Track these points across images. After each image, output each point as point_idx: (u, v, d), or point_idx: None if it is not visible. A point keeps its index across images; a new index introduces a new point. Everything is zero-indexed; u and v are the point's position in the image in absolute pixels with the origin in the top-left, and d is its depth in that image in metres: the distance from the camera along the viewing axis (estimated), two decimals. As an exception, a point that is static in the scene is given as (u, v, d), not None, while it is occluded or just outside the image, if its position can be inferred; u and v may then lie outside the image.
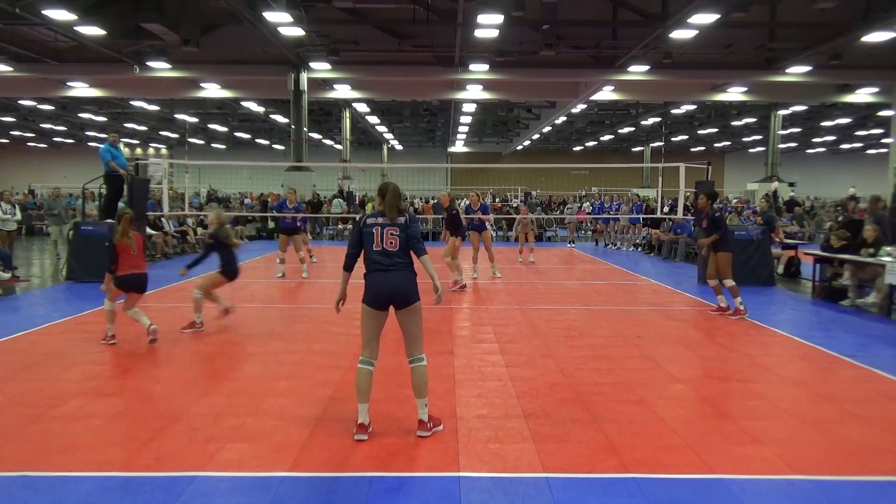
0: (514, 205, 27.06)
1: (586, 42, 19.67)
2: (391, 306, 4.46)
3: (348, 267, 4.58)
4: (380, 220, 4.42)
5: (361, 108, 31.50)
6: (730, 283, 8.75)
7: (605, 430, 4.52)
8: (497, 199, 29.83)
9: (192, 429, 4.47)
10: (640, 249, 18.94)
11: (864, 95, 25.26)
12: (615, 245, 20.23)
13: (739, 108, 33.26)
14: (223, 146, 50.44)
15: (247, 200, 29.48)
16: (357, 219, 4.64)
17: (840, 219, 21.52)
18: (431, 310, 9.07)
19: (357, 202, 26.09)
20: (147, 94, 27.17)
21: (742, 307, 8.66)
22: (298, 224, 12.48)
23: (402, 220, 4.42)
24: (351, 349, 6.77)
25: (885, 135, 32.80)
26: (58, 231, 14.49)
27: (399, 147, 49.33)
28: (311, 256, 13.66)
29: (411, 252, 4.46)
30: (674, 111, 33.67)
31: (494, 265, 12.60)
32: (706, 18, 15.17)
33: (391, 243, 4.37)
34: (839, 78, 22.85)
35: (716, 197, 9.99)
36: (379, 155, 47.69)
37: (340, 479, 3.76)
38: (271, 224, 22.38)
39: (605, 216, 21.26)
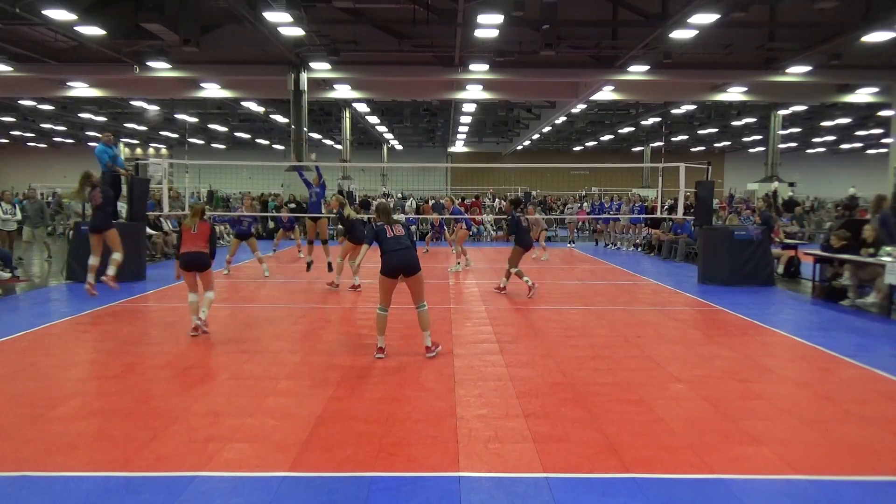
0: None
1: (586, 42, 19.66)
2: (400, 275, 6.38)
3: (369, 243, 6.91)
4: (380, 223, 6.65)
5: (361, 108, 31.49)
6: (514, 270, 10.36)
7: (605, 430, 4.52)
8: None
9: (192, 429, 4.47)
10: (639, 249, 18.94)
11: (864, 95, 25.25)
12: (615, 245, 20.23)
13: (739, 108, 33.25)
14: (223, 146, 50.44)
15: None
16: (370, 221, 6.74)
17: (836, 216, 21.54)
18: (431, 310, 9.04)
19: (357, 202, 26.07)
20: (147, 94, 27.16)
21: (530, 283, 10.28)
22: (252, 230, 12.93)
23: (400, 219, 6.76)
24: (351, 349, 6.78)
25: (885, 135, 32.78)
26: (30, 233, 14.44)
27: (399, 147, 49.32)
28: (301, 253, 13.79)
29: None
30: (674, 111, 33.66)
31: (459, 262, 13.73)
32: (706, 18, 15.17)
33: (399, 231, 6.48)
34: (839, 78, 22.84)
35: (519, 203, 11.53)
36: (379, 155, 47.69)
37: (340, 479, 3.76)
38: (271, 224, 22.45)
39: (605, 216, 21.26)
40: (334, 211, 11.84)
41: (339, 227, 12.35)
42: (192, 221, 7.35)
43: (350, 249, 10.75)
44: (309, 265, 12.17)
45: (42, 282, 11.65)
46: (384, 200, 6.77)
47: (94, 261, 8.63)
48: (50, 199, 28.64)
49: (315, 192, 12.25)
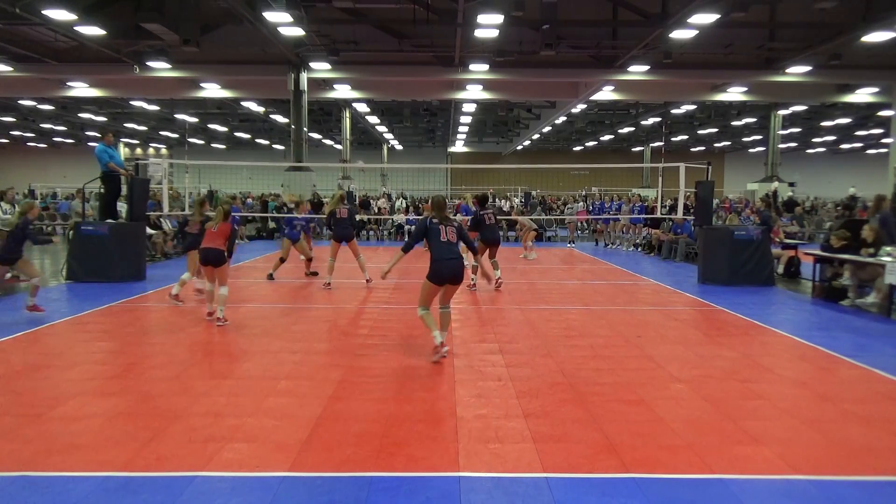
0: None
1: (586, 42, 19.66)
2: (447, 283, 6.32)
3: (406, 249, 6.42)
4: (435, 221, 6.37)
5: (361, 108, 31.49)
6: (473, 263, 10.20)
7: (605, 430, 4.52)
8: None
9: (192, 429, 4.47)
10: (639, 249, 18.94)
11: (864, 95, 25.26)
12: (614, 245, 20.23)
13: (739, 108, 33.26)
14: (223, 146, 50.45)
15: (248, 200, 29.46)
16: (424, 218, 6.49)
17: (836, 216, 21.52)
18: (431, 310, 9.07)
19: (357, 202, 26.10)
20: (147, 94, 27.18)
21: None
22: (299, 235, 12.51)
23: (454, 223, 6.40)
24: (351, 349, 6.78)
25: (885, 135, 32.79)
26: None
27: (399, 147, 49.32)
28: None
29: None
30: (674, 111, 33.67)
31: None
32: (706, 18, 15.17)
33: (451, 236, 6.29)
34: (839, 78, 22.86)
35: (486, 200, 11.48)
36: (379, 155, 47.69)
37: (340, 479, 3.75)
38: (272, 224, 22.47)
39: (605, 216, 21.26)
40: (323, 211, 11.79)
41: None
42: (216, 221, 7.95)
43: (337, 247, 10.97)
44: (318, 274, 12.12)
45: (42, 282, 11.63)
46: (441, 194, 6.60)
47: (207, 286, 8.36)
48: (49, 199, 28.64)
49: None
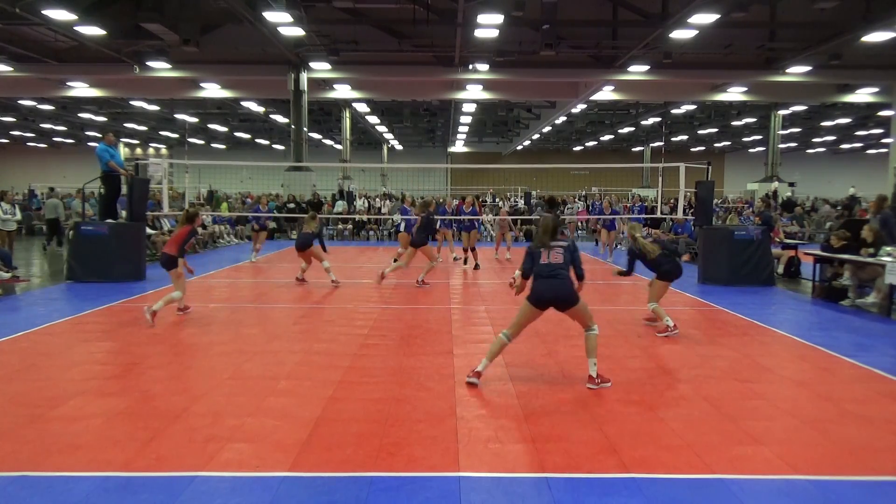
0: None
1: (586, 42, 19.68)
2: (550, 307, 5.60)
3: (525, 276, 5.80)
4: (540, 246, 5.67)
5: (361, 108, 31.50)
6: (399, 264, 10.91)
7: (605, 430, 4.52)
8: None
9: (192, 429, 4.47)
10: (639, 249, 18.88)
11: (864, 95, 25.28)
12: (611, 258, 20.04)
13: (739, 108, 33.27)
14: (223, 146, 50.44)
15: (247, 200, 29.48)
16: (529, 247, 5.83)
17: (836, 216, 21.52)
18: (431, 310, 9.09)
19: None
20: (147, 94, 27.19)
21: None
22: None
23: (563, 244, 5.67)
24: (351, 349, 6.77)
25: (885, 135, 32.80)
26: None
27: (399, 147, 49.32)
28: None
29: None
30: (674, 111, 33.67)
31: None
32: (706, 18, 15.17)
33: (556, 258, 5.57)
34: (839, 78, 22.86)
35: (428, 206, 11.76)
36: (379, 155, 47.69)
37: (340, 479, 3.75)
38: (272, 224, 22.44)
39: (605, 216, 21.13)
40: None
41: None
42: (178, 224, 8.37)
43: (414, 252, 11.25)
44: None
45: (42, 282, 11.65)
46: (548, 216, 5.94)
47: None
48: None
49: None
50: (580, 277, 5.72)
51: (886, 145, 30.87)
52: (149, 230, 14.40)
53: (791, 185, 31.39)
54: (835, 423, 4.74)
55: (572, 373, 5.94)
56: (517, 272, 5.92)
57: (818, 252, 10.84)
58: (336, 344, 7.05)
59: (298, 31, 16.85)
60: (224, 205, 25.23)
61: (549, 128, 38.11)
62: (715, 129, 39.75)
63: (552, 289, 5.52)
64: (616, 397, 5.25)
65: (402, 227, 15.19)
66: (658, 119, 35.90)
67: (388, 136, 43.05)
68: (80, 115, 34.74)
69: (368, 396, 5.21)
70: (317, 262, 11.31)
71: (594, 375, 5.49)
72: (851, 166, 48.43)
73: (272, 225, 22.44)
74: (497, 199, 30.00)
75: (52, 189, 22.87)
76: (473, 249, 14.04)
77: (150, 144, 49.81)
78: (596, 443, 4.30)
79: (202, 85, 24.31)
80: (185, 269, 8.09)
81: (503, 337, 5.64)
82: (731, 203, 31.95)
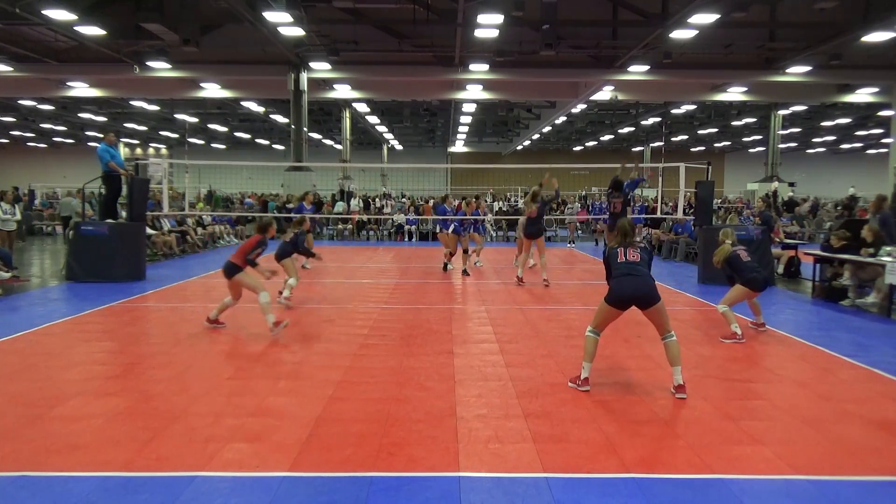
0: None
1: (586, 42, 19.67)
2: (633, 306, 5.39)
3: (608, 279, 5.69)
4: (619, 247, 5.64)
5: (361, 108, 31.50)
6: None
7: (605, 430, 4.52)
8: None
9: (192, 429, 4.47)
10: (639, 249, 18.89)
11: (864, 95, 25.28)
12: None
13: (739, 108, 33.27)
14: (223, 146, 50.44)
15: (247, 200, 29.50)
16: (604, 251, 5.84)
17: (836, 216, 21.51)
18: (431, 310, 9.09)
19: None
20: (147, 94, 27.19)
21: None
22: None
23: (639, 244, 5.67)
24: (351, 349, 6.77)
25: (885, 135, 32.82)
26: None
27: (399, 147, 49.33)
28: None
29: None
30: (674, 111, 33.67)
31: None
32: (706, 18, 15.17)
33: (633, 256, 5.52)
34: (839, 78, 22.87)
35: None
36: (379, 155, 47.69)
37: (340, 479, 3.75)
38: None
39: (605, 216, 21.19)
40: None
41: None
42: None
43: (528, 244, 11.74)
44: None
45: (42, 282, 11.65)
46: (625, 219, 6.02)
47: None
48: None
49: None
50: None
51: (886, 145, 30.88)
52: (149, 230, 14.40)
53: (791, 185, 31.39)
54: (835, 423, 4.74)
55: (572, 373, 5.93)
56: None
57: (818, 252, 10.84)
58: (336, 344, 7.05)
59: (298, 31, 16.85)
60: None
61: (549, 128, 38.11)
62: (715, 129, 39.74)
63: (632, 285, 5.33)
64: (616, 397, 5.26)
65: (440, 228, 14.19)
66: (658, 119, 35.90)
67: (388, 136, 43.05)
68: (80, 115, 34.75)
69: (368, 396, 5.21)
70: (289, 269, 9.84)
71: (682, 383, 5.26)
72: (851, 166, 48.43)
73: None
74: (497, 200, 30.02)
75: (31, 192, 22.55)
76: (466, 252, 14.00)
77: (150, 144, 49.81)
78: (596, 443, 4.30)
79: (202, 85, 24.31)
80: (268, 273, 7.58)
81: (592, 332, 5.49)
82: (730, 203, 31.98)
